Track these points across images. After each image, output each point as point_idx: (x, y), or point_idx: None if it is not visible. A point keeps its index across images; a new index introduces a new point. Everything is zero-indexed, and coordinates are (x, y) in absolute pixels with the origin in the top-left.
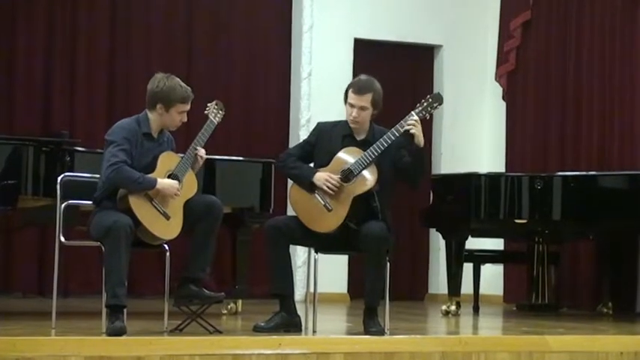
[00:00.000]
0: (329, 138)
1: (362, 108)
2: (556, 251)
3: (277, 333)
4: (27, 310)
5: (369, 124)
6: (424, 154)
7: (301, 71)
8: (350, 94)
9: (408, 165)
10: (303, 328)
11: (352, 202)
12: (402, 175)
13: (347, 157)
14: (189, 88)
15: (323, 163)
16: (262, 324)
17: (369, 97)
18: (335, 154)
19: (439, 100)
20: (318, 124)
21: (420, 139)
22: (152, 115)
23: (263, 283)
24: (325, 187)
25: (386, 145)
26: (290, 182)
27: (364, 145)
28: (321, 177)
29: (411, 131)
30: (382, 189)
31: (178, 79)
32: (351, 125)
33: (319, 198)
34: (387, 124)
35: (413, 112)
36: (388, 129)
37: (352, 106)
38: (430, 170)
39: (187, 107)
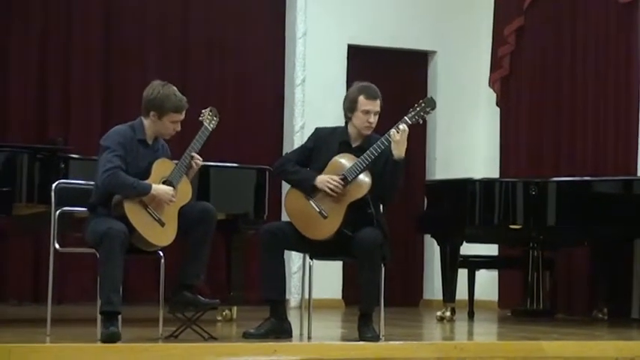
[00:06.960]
0: (326, 144)
1: (376, 113)
2: (551, 257)
3: (267, 339)
4: (22, 318)
5: None
6: (400, 168)
7: (295, 77)
8: (363, 100)
9: (384, 175)
10: (293, 334)
11: (347, 209)
12: (376, 186)
13: (343, 161)
14: (184, 98)
15: (319, 169)
16: (252, 330)
17: (380, 101)
18: (330, 160)
19: (432, 104)
20: (317, 129)
21: (397, 150)
22: (146, 122)
23: (258, 289)
24: (327, 189)
25: (379, 150)
26: (285, 189)
27: (359, 151)
28: (323, 179)
29: (394, 138)
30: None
31: (175, 88)
32: (366, 132)
33: (314, 205)
34: (379, 130)
35: (406, 118)
36: (382, 136)
37: (368, 112)
38: (424, 176)
39: (181, 117)
